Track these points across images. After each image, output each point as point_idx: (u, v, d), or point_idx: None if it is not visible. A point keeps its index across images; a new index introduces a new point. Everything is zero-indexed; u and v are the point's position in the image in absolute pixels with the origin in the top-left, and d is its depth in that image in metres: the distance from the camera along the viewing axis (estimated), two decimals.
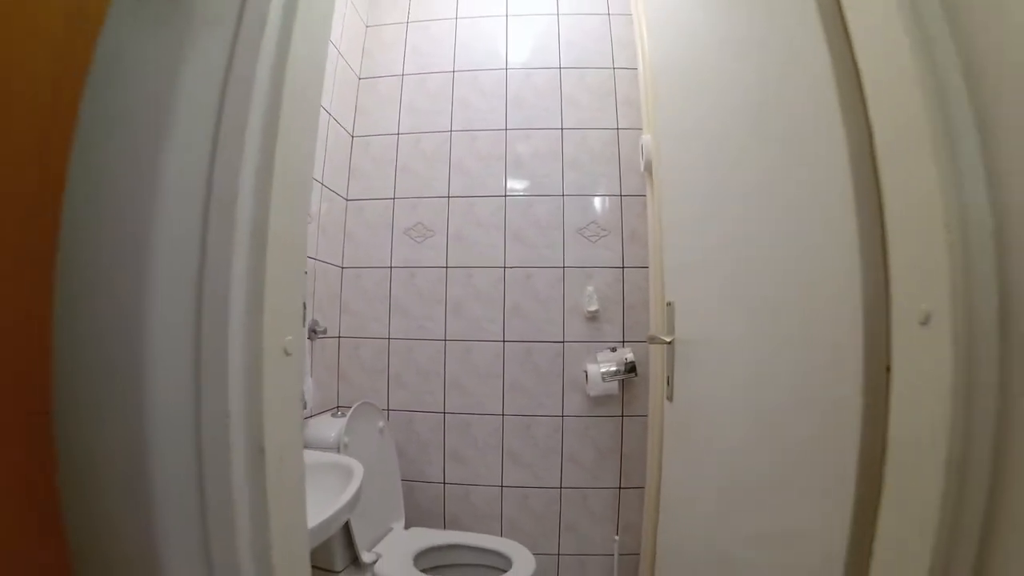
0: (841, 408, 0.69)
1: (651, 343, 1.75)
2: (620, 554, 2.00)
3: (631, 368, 1.98)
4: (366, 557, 1.59)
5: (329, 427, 1.64)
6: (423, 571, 1.59)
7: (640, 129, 2.02)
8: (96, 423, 0.54)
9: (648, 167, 1.85)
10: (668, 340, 1.36)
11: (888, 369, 0.64)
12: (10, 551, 0.47)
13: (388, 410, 2.09)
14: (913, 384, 0.60)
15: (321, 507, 1.09)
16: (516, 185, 2.15)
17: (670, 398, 1.37)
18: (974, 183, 0.56)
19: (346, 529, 1.57)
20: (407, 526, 1.91)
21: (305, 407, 1.69)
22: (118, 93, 0.55)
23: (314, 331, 1.84)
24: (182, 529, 0.53)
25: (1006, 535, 0.52)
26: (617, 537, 2.01)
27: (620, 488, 2.03)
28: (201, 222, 0.53)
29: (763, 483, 0.95)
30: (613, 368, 1.97)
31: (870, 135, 0.67)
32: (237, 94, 0.55)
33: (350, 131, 2.22)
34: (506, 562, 1.66)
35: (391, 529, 1.83)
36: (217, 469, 0.52)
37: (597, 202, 2.12)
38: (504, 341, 2.09)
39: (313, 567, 0.68)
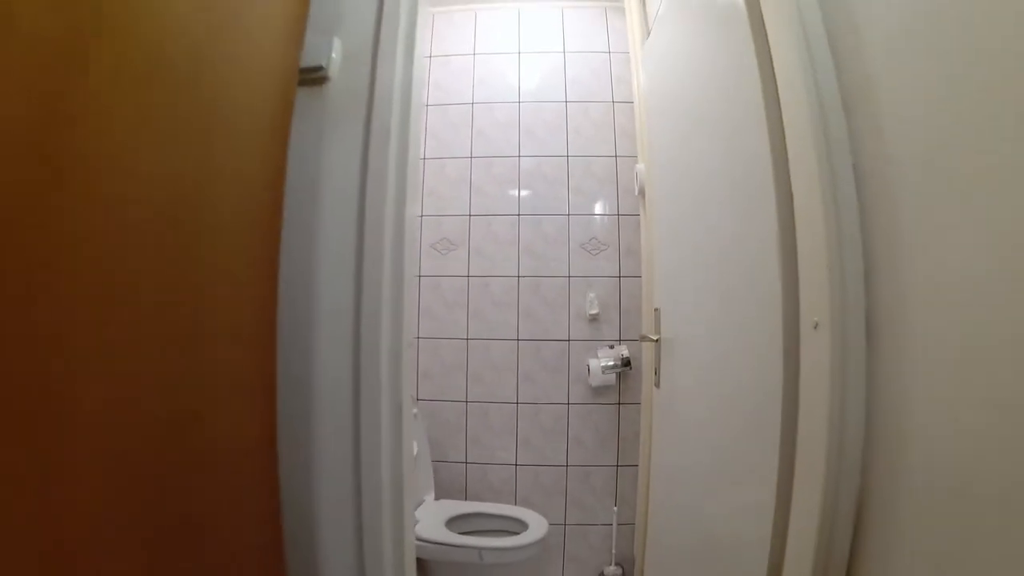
0: (770, 390, 1.02)
1: (642, 341, 2.07)
2: (618, 524, 2.33)
3: (626, 362, 2.30)
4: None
5: None
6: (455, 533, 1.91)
7: (635, 157, 2.34)
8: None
9: (641, 191, 2.17)
10: (655, 339, 1.68)
11: (798, 360, 0.97)
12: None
13: (417, 400, 2.41)
14: (810, 370, 0.93)
15: None
16: (527, 205, 2.47)
17: (657, 385, 1.71)
18: (852, 242, 0.88)
19: None
20: (436, 498, 2.23)
21: None
22: (304, 182, 0.88)
23: None
24: (339, 478, 0.84)
25: (880, 475, 0.85)
26: (616, 508, 2.34)
27: (618, 466, 2.36)
28: (355, 269, 0.85)
29: (725, 453, 1.28)
30: (611, 362, 2.30)
31: (791, 200, 1.00)
32: (375, 180, 0.87)
33: None
34: (523, 525, 1.98)
35: (424, 500, 2.15)
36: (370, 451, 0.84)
37: (597, 220, 2.45)
38: (517, 340, 2.42)
39: None
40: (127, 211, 0.47)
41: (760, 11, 1.06)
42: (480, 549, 1.77)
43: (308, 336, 0.82)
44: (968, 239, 0.67)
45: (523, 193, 2.48)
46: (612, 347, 2.38)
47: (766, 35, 1.06)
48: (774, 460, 0.99)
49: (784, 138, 1.02)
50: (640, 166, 2.19)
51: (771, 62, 1.04)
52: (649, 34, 2.02)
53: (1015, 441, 0.59)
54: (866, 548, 0.85)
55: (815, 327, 0.92)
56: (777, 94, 1.03)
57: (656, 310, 1.75)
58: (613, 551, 2.32)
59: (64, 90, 0.41)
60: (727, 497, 1.26)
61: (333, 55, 0.90)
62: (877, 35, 0.86)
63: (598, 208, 2.46)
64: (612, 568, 2.31)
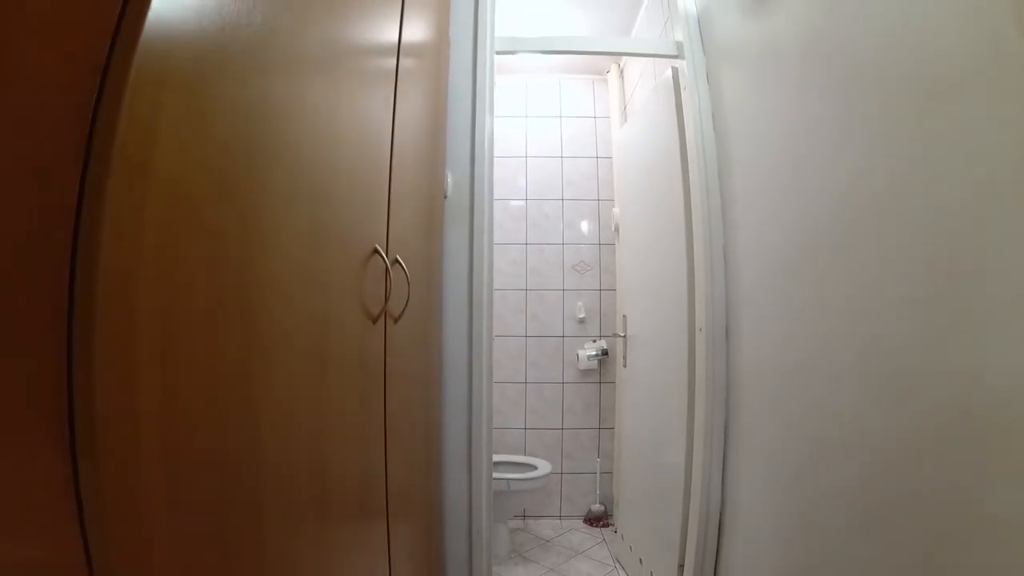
0: (681, 369, 1.87)
1: (615, 337, 2.92)
2: (601, 472, 3.17)
3: (604, 352, 3.15)
4: None
5: None
6: None
7: (612, 201, 3.18)
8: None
9: (616, 228, 3.01)
10: (623, 335, 2.53)
11: (694, 350, 1.81)
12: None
13: None
14: (699, 360, 1.78)
15: None
16: (532, 236, 3.30)
17: (625, 367, 2.55)
18: (719, 285, 1.72)
19: None
20: None
21: None
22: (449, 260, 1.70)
23: None
24: (458, 430, 1.66)
25: (733, 404, 1.70)
26: (599, 460, 3.18)
27: (600, 428, 3.20)
28: (468, 311, 1.67)
29: (660, 414, 2.13)
30: (593, 352, 3.14)
31: (691, 255, 1.84)
32: (476, 252, 1.70)
33: None
34: (533, 468, 2.80)
35: None
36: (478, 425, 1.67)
37: (584, 248, 3.29)
38: (526, 336, 3.25)
39: None
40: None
41: (684, 126, 1.88)
42: (508, 479, 2.59)
43: (447, 342, 1.65)
44: (755, 289, 1.53)
45: (530, 228, 3.32)
46: (595, 341, 3.23)
47: (684, 138, 1.86)
48: (684, 408, 1.84)
49: (690, 200, 1.84)
50: (616, 209, 3.02)
51: (686, 156, 1.85)
52: (626, 121, 2.86)
53: (773, 374, 1.44)
54: (730, 452, 1.68)
55: (700, 331, 1.76)
56: (688, 172, 1.84)
57: (624, 316, 2.59)
58: (597, 492, 3.16)
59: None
60: (662, 448, 2.10)
61: (448, 183, 1.71)
62: (735, 148, 1.69)
63: (584, 239, 3.30)
64: (597, 505, 3.14)
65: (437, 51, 1.47)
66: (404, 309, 0.96)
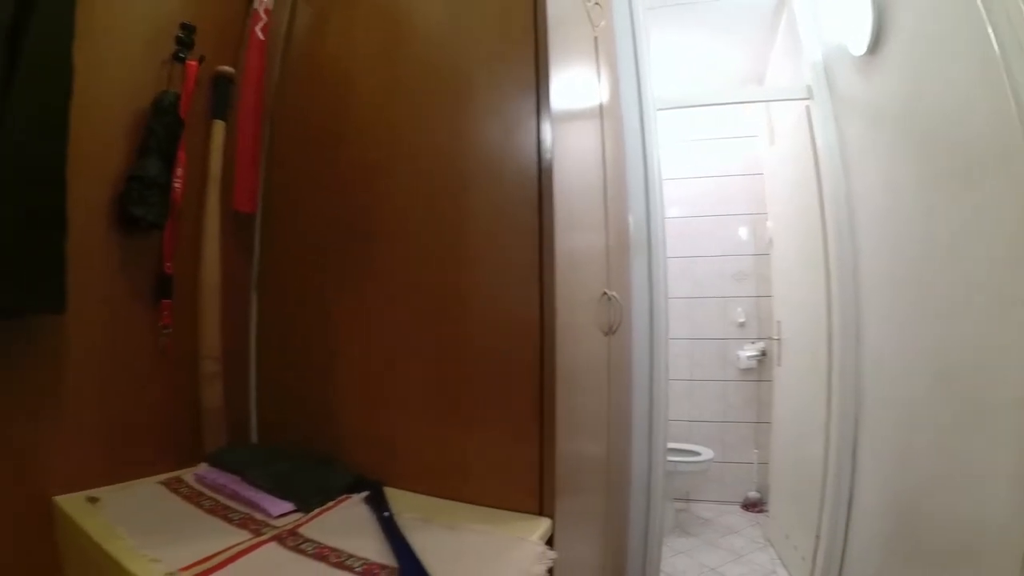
0: (820, 371, 2.21)
1: (771, 339, 3.22)
2: (758, 462, 3.48)
3: (763, 353, 3.46)
4: None
5: None
6: None
7: (764, 215, 3.47)
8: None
9: (770, 241, 3.31)
10: (777, 338, 2.86)
11: (831, 355, 2.15)
12: None
13: None
14: (835, 361, 2.12)
15: None
16: (694, 250, 3.72)
17: (778, 364, 2.88)
18: (849, 292, 2.06)
19: None
20: None
21: None
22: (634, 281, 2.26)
23: None
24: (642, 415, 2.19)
25: (863, 416, 2.04)
26: (756, 451, 3.49)
27: (757, 423, 3.51)
28: (649, 320, 2.20)
29: (807, 409, 2.45)
30: (752, 353, 3.47)
31: (828, 268, 2.19)
32: (655, 274, 2.22)
33: None
34: (697, 454, 3.20)
35: None
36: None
37: (741, 260, 3.64)
38: (691, 339, 3.68)
39: None
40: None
41: (818, 158, 2.23)
42: (676, 462, 3.05)
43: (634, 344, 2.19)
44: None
45: (689, 241, 3.75)
46: (754, 343, 3.54)
47: (819, 168, 2.21)
48: (823, 402, 2.18)
49: (825, 223, 2.18)
50: (769, 223, 3.33)
51: (821, 185, 2.20)
52: (773, 143, 3.18)
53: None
54: (860, 441, 2.01)
55: (835, 335, 2.10)
56: (823, 199, 2.18)
57: (778, 321, 2.92)
58: (755, 480, 3.47)
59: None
60: (807, 438, 2.43)
61: (631, 222, 2.24)
62: (856, 182, 2.03)
63: (741, 251, 3.66)
64: (753, 492, 3.46)
65: (614, 113, 1.98)
66: (617, 326, 1.47)
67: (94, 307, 1.02)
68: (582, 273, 1.16)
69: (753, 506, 3.42)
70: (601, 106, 1.64)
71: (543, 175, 0.94)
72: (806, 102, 2.28)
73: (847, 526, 2.01)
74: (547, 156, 0.93)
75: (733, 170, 3.73)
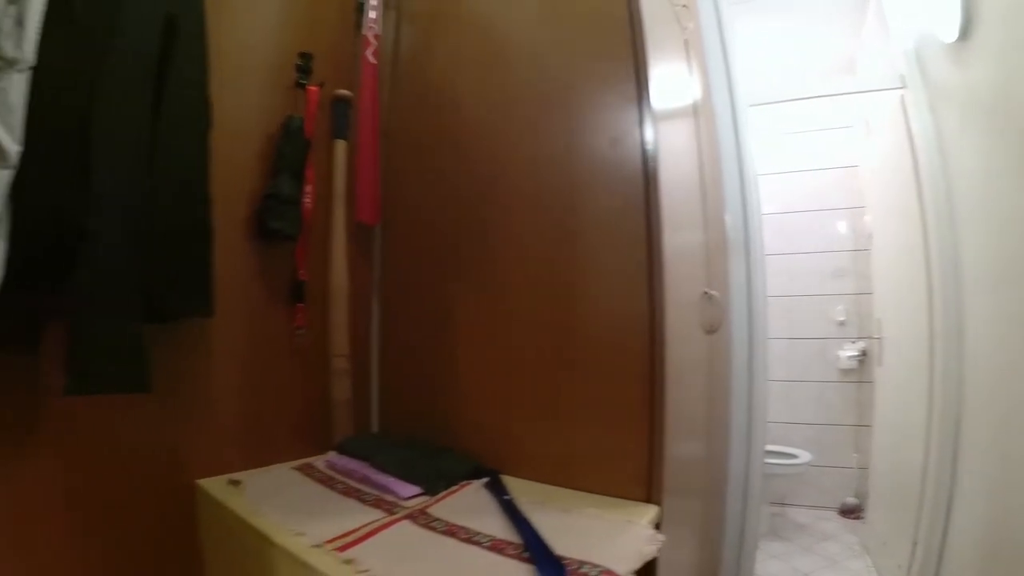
0: (922, 371, 2.10)
1: (871, 338, 3.07)
2: (857, 467, 3.31)
3: (863, 353, 3.30)
4: None
5: None
6: None
7: (863, 208, 3.31)
8: None
9: (869, 235, 3.15)
10: (878, 337, 2.73)
11: (933, 354, 2.04)
12: None
13: None
14: (937, 360, 2.01)
15: None
16: (790, 247, 3.60)
17: (880, 365, 2.75)
18: (951, 289, 1.95)
19: None
20: None
21: None
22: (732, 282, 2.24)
23: None
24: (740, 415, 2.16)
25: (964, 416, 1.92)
26: (855, 455, 3.33)
27: (858, 426, 3.35)
28: (747, 320, 2.18)
29: (908, 411, 2.33)
30: (853, 353, 3.32)
31: (928, 262, 2.08)
32: (755, 272, 2.19)
33: None
34: (794, 456, 3.10)
35: None
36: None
37: (842, 256, 3.48)
38: (790, 339, 3.57)
39: None
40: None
41: (915, 148, 2.12)
42: (773, 464, 2.97)
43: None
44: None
45: (785, 238, 3.63)
46: (854, 342, 3.39)
47: (916, 159, 2.10)
48: (925, 403, 2.06)
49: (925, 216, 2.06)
50: (867, 217, 3.17)
51: (919, 177, 2.09)
52: (870, 133, 3.03)
53: None
54: (960, 443, 1.90)
55: (937, 334, 1.99)
56: (922, 193, 2.07)
57: (878, 319, 2.79)
58: (853, 486, 3.31)
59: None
60: (908, 440, 2.30)
61: (728, 221, 2.22)
62: (953, 168, 1.91)
63: (839, 247, 3.50)
64: (851, 499, 3.30)
65: (707, 112, 1.97)
66: (719, 325, 1.49)
67: (237, 311, 1.15)
68: (684, 272, 1.19)
69: (850, 512, 3.26)
70: (695, 106, 1.65)
71: (648, 178, 0.98)
72: (900, 91, 2.18)
73: (944, 534, 1.91)
74: (652, 161, 0.97)
75: (828, 163, 3.57)
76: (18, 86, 0.77)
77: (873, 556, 2.63)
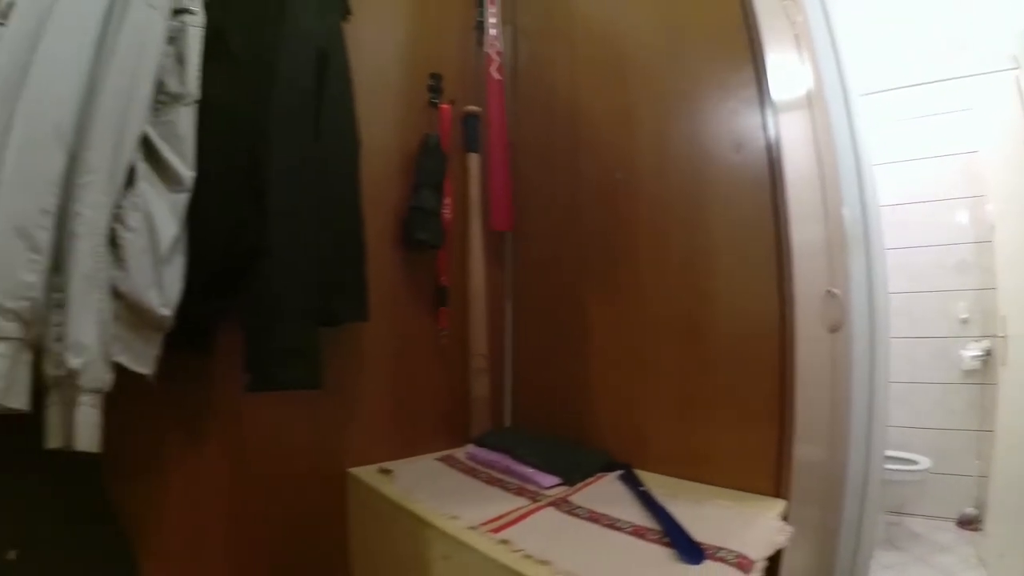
0: None
1: (996, 336, 2.87)
2: (978, 475, 3.10)
3: (987, 352, 3.08)
4: None
5: None
6: None
7: (984, 196, 3.09)
8: None
9: (991, 226, 2.94)
10: (1003, 335, 2.56)
11: None
12: None
13: None
14: None
15: None
16: (906, 240, 3.40)
17: (1004, 365, 2.57)
18: None
19: None
20: None
21: None
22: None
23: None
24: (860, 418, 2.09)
25: None
26: (977, 462, 3.11)
27: (979, 431, 3.13)
28: (868, 317, 2.11)
29: None
30: (977, 353, 3.10)
31: None
32: (875, 273, 2.12)
33: None
34: (913, 463, 2.93)
35: None
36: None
37: (963, 248, 3.27)
38: (909, 338, 3.37)
39: None
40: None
41: None
42: (892, 470, 2.84)
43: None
44: None
45: (902, 231, 3.42)
46: (977, 341, 3.17)
47: None
48: None
49: None
50: (989, 206, 2.96)
51: None
52: (986, 116, 2.83)
53: None
54: None
55: None
56: None
57: (1003, 316, 2.61)
58: (974, 494, 3.10)
59: None
60: None
61: (846, 215, 2.16)
62: None
63: (960, 239, 3.28)
64: (971, 509, 3.09)
65: (820, 105, 1.91)
66: (841, 324, 1.45)
67: (387, 315, 1.26)
68: (809, 270, 1.19)
69: (969, 523, 3.06)
70: (810, 98, 1.63)
71: (775, 181, 0.99)
72: (1014, 72, 2.04)
73: None
74: (776, 164, 0.99)
75: (945, 149, 3.36)
76: (185, 118, 0.86)
77: (990, 569, 2.47)
